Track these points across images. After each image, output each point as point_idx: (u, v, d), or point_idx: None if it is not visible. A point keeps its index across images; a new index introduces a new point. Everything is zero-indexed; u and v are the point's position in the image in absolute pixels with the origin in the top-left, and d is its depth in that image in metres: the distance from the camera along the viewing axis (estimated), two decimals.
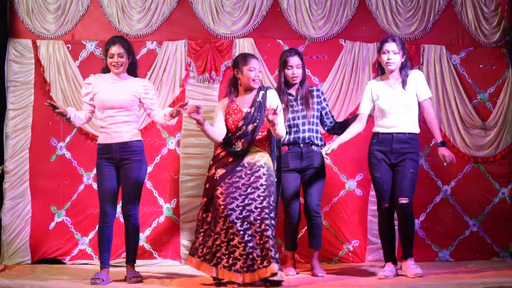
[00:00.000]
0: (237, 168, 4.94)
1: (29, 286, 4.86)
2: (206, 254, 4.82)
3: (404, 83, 5.23)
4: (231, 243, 4.72)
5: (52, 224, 6.09)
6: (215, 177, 4.93)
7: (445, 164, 5.27)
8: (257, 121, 5.01)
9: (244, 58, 5.09)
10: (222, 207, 4.75)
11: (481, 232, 6.25)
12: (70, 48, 6.17)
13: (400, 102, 5.22)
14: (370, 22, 6.29)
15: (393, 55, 5.22)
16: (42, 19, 6.18)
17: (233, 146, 5.00)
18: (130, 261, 5.19)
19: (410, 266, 5.15)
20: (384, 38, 5.34)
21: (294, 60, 5.42)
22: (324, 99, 5.59)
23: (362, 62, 6.23)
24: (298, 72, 5.42)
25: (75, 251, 6.07)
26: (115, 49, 5.09)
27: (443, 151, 5.22)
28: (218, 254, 4.75)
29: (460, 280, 4.98)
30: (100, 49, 6.15)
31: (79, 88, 6.09)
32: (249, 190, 4.84)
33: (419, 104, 5.28)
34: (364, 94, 5.41)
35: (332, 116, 5.64)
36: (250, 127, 5.00)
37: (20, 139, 6.09)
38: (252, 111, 5.02)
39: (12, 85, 6.12)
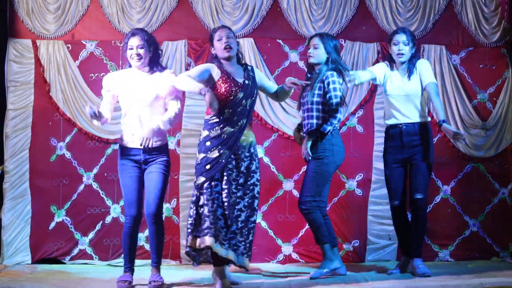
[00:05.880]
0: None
1: (29, 286, 4.86)
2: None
3: (410, 73, 5.23)
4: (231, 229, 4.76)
5: (52, 224, 6.09)
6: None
7: (454, 140, 5.22)
8: (254, 95, 4.91)
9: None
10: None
11: (481, 232, 6.25)
12: (70, 48, 6.17)
13: (404, 91, 5.22)
14: (370, 22, 6.29)
15: (403, 46, 5.24)
16: (42, 19, 6.17)
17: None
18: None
19: (418, 266, 5.15)
20: (394, 30, 5.41)
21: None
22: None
23: (362, 62, 6.23)
24: None
25: (75, 251, 6.06)
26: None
27: (446, 129, 5.09)
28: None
29: (460, 280, 4.99)
30: (100, 49, 6.15)
31: (79, 88, 6.09)
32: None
33: (425, 90, 5.24)
34: (378, 65, 5.48)
35: None
36: (249, 101, 4.86)
37: (20, 139, 6.08)
38: (248, 83, 4.86)
39: (12, 85, 6.11)
